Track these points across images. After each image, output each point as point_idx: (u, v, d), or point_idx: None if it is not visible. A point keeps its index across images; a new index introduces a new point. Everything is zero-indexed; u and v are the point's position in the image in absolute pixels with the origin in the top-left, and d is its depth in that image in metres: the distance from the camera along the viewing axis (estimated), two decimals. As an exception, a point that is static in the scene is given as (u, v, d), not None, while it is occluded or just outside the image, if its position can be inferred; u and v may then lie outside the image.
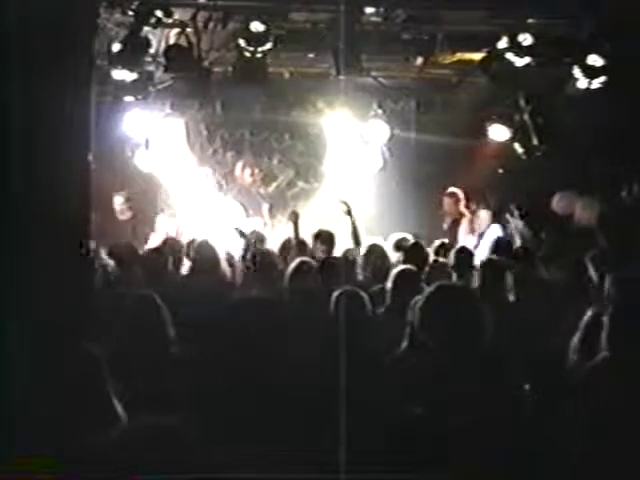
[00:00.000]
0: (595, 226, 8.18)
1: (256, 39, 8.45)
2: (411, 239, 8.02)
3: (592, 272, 6.01)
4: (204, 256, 6.98)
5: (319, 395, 3.43)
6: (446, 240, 8.41)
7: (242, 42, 8.52)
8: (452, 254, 7.16)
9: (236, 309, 3.61)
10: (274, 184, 11.20)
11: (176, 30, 8.80)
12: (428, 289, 3.88)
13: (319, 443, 3.20)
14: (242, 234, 7.70)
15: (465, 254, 7.18)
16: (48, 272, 3.82)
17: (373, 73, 9.84)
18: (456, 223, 10.45)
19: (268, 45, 8.51)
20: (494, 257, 6.84)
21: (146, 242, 9.36)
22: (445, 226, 10.51)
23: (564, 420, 3.73)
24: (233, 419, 3.18)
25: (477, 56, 9.26)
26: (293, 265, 6.20)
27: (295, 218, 8.11)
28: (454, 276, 6.75)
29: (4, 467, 2.59)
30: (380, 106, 10.48)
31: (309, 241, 7.86)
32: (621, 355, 3.73)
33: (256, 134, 11.60)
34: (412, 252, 7.24)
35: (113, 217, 10.09)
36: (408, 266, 6.15)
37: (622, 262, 6.17)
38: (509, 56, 8.70)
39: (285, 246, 7.83)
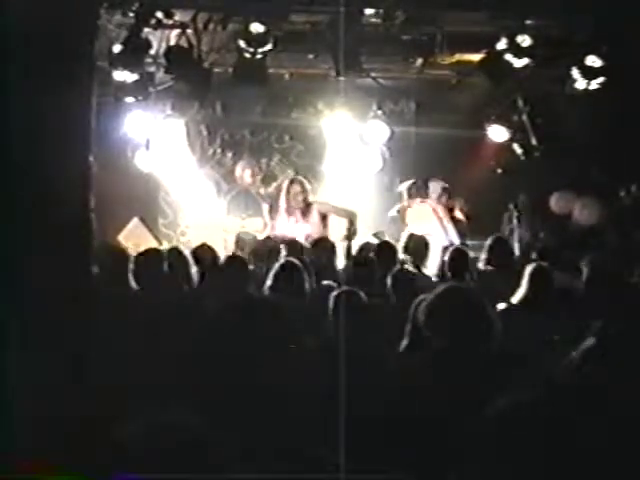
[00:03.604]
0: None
1: (256, 40, 8.47)
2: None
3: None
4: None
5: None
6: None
7: (242, 43, 8.53)
8: (447, 254, 7.08)
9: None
10: (274, 184, 11.21)
11: (176, 31, 8.83)
12: (437, 289, 3.89)
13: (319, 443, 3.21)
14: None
15: (460, 253, 7.14)
16: (48, 272, 3.83)
17: (373, 74, 9.85)
18: None
19: (268, 46, 8.52)
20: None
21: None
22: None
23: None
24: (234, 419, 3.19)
25: (476, 57, 9.28)
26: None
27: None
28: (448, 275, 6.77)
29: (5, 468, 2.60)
30: (380, 107, 10.50)
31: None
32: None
33: (256, 135, 11.62)
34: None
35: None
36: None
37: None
38: (508, 57, 8.71)
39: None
